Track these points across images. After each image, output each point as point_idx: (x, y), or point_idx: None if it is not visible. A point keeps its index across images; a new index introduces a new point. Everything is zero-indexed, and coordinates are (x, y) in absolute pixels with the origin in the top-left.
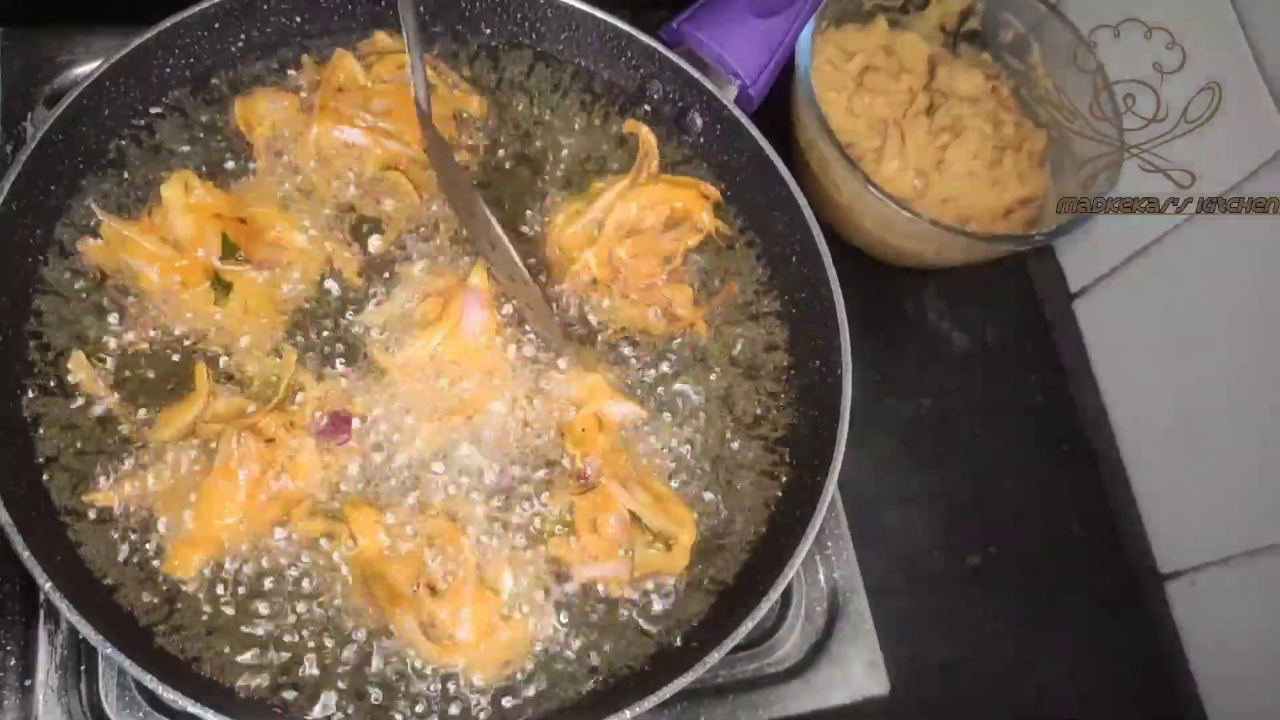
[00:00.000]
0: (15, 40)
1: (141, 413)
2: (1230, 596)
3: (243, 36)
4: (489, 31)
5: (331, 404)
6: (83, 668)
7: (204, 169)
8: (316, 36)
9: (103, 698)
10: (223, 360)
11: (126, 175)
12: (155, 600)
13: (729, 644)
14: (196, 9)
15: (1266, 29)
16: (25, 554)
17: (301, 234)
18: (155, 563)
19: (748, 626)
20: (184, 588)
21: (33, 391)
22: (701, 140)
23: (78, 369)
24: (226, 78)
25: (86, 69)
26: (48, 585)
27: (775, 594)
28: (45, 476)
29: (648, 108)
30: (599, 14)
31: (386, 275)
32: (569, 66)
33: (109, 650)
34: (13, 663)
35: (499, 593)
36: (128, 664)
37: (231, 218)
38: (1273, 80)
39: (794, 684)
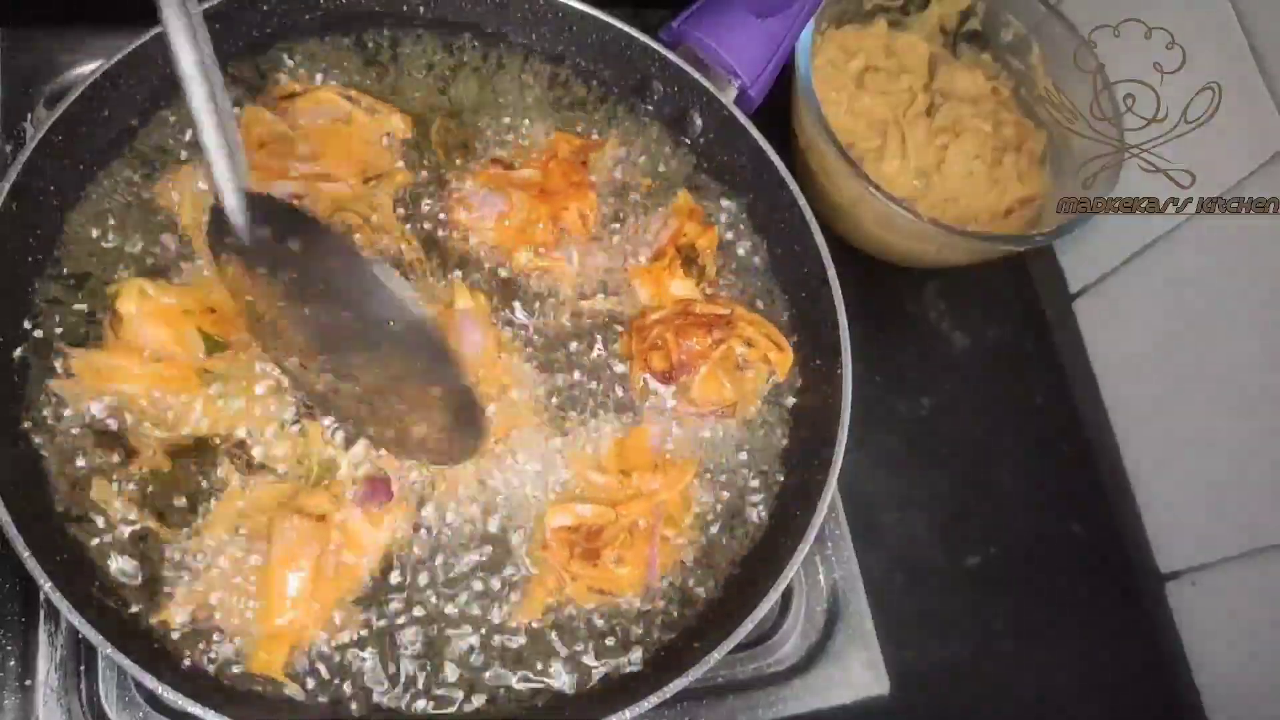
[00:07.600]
0: (15, 40)
1: (182, 527)
2: (1230, 596)
3: (242, 40)
4: (489, 32)
5: (366, 469)
6: (82, 668)
7: (149, 267)
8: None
9: (103, 698)
10: (247, 451)
11: (73, 303)
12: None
13: (729, 644)
14: (198, 9)
15: (1266, 29)
16: (25, 554)
17: None
18: (235, 669)
19: (748, 627)
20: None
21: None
22: (701, 140)
23: (102, 496)
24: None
25: (86, 69)
26: (47, 585)
27: (775, 594)
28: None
29: (648, 108)
30: (599, 14)
31: None
32: (569, 66)
33: (109, 650)
34: (12, 663)
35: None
36: (128, 664)
37: (200, 310)
38: (1273, 80)
39: (794, 684)
